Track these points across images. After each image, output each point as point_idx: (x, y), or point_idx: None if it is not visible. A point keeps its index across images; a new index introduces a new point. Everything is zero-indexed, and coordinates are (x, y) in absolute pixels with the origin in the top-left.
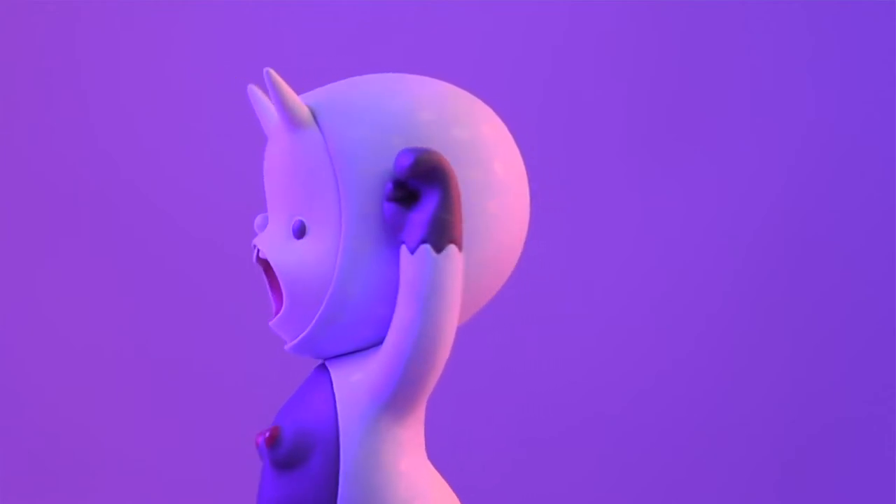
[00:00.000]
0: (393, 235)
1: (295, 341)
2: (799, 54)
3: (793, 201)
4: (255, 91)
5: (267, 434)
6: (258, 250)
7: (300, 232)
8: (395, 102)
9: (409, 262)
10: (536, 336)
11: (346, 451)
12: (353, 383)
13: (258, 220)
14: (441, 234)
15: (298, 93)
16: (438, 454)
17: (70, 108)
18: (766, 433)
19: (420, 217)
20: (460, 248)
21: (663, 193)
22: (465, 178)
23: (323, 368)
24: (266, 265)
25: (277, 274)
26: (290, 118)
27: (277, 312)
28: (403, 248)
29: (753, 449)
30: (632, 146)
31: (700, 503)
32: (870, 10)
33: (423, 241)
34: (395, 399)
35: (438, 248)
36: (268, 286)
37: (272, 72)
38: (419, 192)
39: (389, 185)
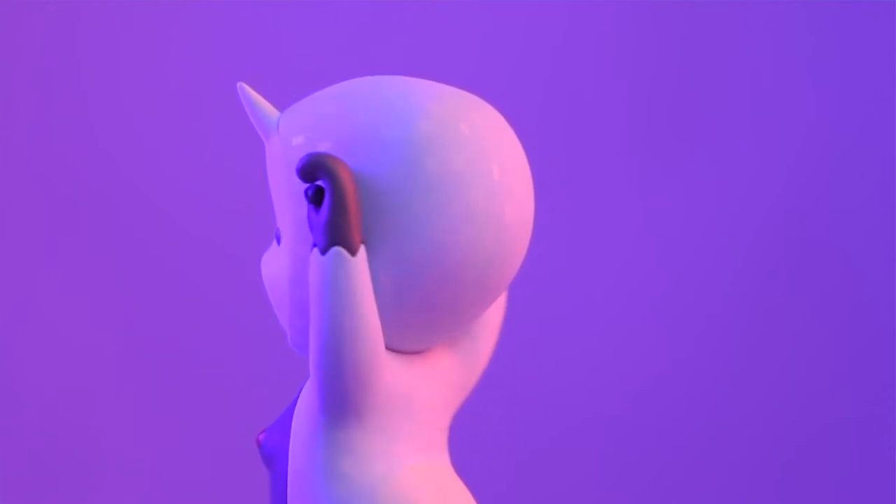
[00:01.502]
0: None
1: (288, 341)
2: (799, 54)
3: (793, 201)
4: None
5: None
6: None
7: (279, 239)
8: (332, 106)
9: (310, 266)
10: (536, 336)
11: (293, 452)
12: (307, 385)
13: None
14: (326, 236)
15: (295, 95)
16: None
17: (70, 108)
18: (766, 433)
19: (316, 220)
20: (352, 251)
21: (663, 193)
22: (389, 178)
23: None
24: None
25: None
26: (260, 129)
27: None
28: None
29: (753, 449)
30: (632, 146)
31: (700, 503)
32: (870, 10)
33: (314, 245)
34: (324, 402)
35: (323, 251)
36: None
37: (244, 86)
38: None
39: (305, 190)
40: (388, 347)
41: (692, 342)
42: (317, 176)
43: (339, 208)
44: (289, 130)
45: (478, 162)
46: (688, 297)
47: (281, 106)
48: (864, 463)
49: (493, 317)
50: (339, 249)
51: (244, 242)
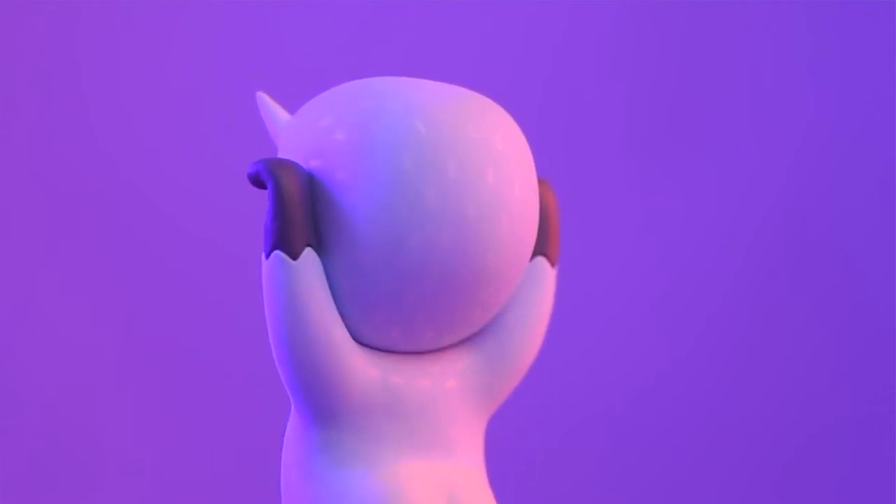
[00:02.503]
0: None
1: None
2: (799, 54)
3: (793, 201)
4: (262, 98)
5: None
6: None
7: None
8: (314, 111)
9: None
10: None
11: (283, 450)
12: None
13: None
14: (268, 241)
15: (295, 95)
16: None
17: (70, 108)
18: (766, 433)
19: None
20: (293, 255)
21: (663, 193)
22: (343, 180)
23: None
24: None
25: None
26: (274, 137)
27: None
28: None
29: (753, 449)
30: (632, 146)
31: (700, 503)
32: (870, 10)
33: (263, 249)
34: (295, 400)
35: (266, 255)
36: None
37: (262, 95)
38: None
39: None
40: (379, 347)
41: (692, 342)
42: (263, 183)
43: (278, 212)
44: (283, 137)
45: (430, 161)
46: (688, 297)
47: (281, 106)
48: (864, 463)
49: (531, 317)
50: (278, 253)
51: (244, 242)
